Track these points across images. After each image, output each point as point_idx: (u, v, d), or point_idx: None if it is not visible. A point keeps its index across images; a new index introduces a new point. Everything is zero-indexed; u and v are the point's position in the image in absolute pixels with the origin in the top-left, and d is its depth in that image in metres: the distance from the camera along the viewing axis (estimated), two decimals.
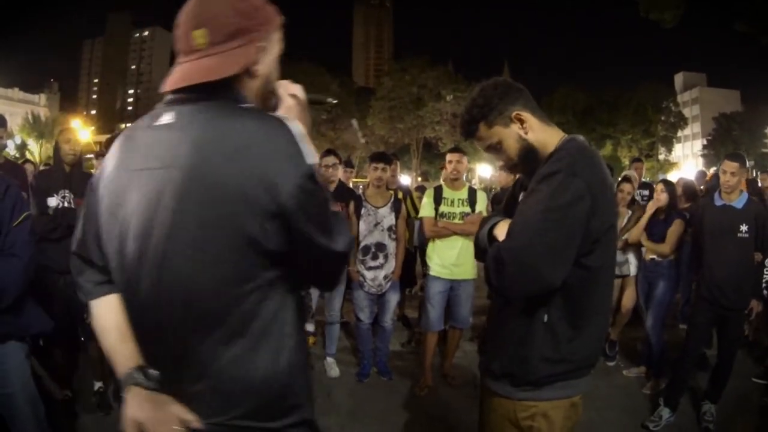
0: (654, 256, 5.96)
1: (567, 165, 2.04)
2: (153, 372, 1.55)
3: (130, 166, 1.56)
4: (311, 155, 1.49)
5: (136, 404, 1.50)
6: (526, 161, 2.27)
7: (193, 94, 1.52)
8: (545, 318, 2.12)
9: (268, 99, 1.70)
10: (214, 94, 1.52)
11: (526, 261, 1.97)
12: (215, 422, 1.52)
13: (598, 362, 2.32)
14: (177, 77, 1.53)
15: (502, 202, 2.65)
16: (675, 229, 5.83)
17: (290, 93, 1.73)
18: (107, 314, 1.67)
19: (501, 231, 2.19)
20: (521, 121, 2.22)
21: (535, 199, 2.05)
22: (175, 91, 1.56)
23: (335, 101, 2.16)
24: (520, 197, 2.42)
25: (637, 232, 6.05)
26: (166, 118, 1.53)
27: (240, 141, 1.44)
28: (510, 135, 2.24)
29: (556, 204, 1.98)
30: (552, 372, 2.15)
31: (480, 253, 2.36)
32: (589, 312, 2.17)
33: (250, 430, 1.55)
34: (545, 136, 2.25)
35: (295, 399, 1.64)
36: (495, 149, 2.30)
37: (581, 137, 2.29)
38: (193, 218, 1.43)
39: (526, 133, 2.23)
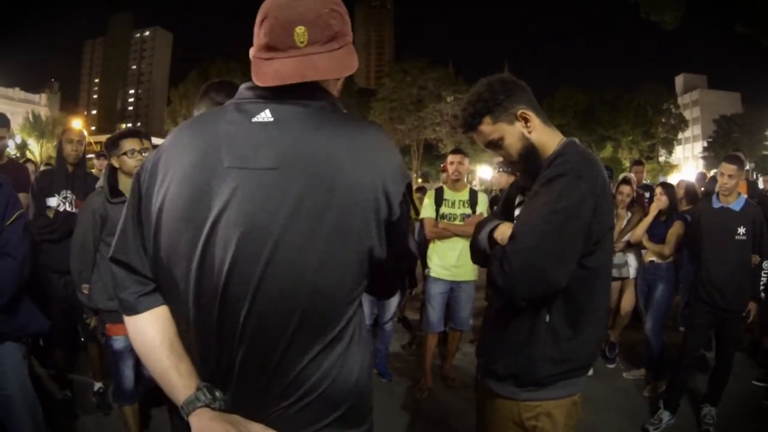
0: (653, 259, 5.96)
1: (572, 168, 2.07)
2: (218, 391, 1.42)
3: (217, 163, 1.40)
4: None
5: (209, 427, 1.35)
6: (526, 160, 2.28)
7: (291, 92, 1.44)
8: (547, 318, 2.15)
9: None
10: (313, 95, 1.47)
11: (533, 262, 2.00)
12: (312, 431, 1.45)
13: (595, 361, 2.36)
14: (280, 72, 1.42)
15: (500, 204, 2.66)
16: (675, 230, 5.83)
17: None
18: (156, 329, 1.49)
19: (502, 233, 2.20)
20: (526, 120, 2.23)
21: (541, 201, 2.07)
22: (266, 87, 1.44)
23: None
24: (517, 200, 2.45)
25: (639, 233, 6.05)
26: (264, 115, 1.43)
27: (366, 147, 1.43)
28: (513, 133, 2.24)
29: (561, 206, 2.01)
30: (555, 372, 2.17)
31: (478, 257, 2.39)
32: (588, 312, 2.20)
33: None
34: (546, 137, 2.27)
35: (371, 402, 1.65)
36: (495, 146, 2.30)
37: (577, 141, 2.32)
38: (320, 225, 1.34)
39: (529, 132, 2.24)
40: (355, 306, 1.50)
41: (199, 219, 1.38)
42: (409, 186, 1.49)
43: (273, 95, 1.45)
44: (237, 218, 1.35)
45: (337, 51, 1.46)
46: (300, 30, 1.40)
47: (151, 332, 1.49)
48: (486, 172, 49.00)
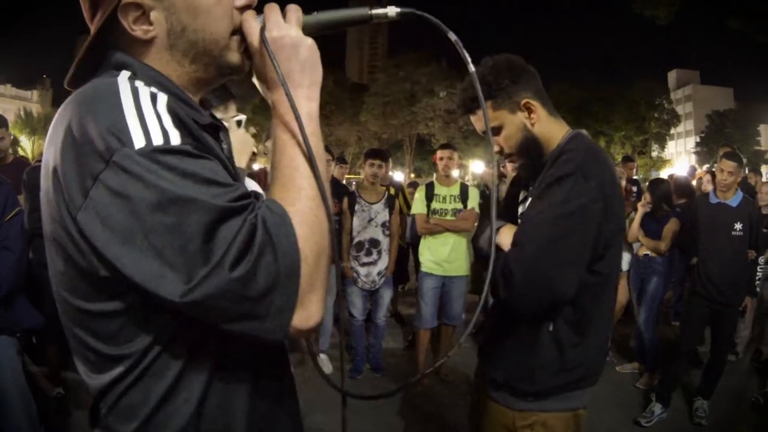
0: (648, 252, 5.98)
1: (578, 167, 1.90)
2: None
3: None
4: (155, 132, 0.96)
5: None
6: (525, 154, 2.13)
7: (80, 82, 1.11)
8: (551, 327, 2.00)
9: (223, 56, 1.18)
10: (95, 70, 1.13)
11: (537, 273, 1.84)
12: None
13: (602, 372, 2.19)
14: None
15: (501, 202, 2.55)
16: (671, 227, 5.84)
17: (275, 25, 1.15)
18: None
19: (505, 238, 2.01)
20: (530, 111, 2.08)
21: (545, 204, 1.91)
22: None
23: (381, 10, 1.21)
24: (521, 196, 2.34)
25: (633, 231, 6.06)
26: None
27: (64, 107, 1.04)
28: (514, 123, 2.09)
29: (568, 210, 1.85)
30: (555, 383, 2.04)
31: (483, 260, 2.17)
32: (596, 317, 2.05)
33: None
34: (551, 129, 2.12)
35: None
36: (493, 133, 2.12)
37: (585, 132, 2.18)
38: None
39: (532, 124, 2.08)
40: None
41: None
42: (116, 167, 0.92)
43: None
44: None
45: (95, 18, 1.11)
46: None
47: None
48: (478, 167, 49.02)
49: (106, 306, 1.03)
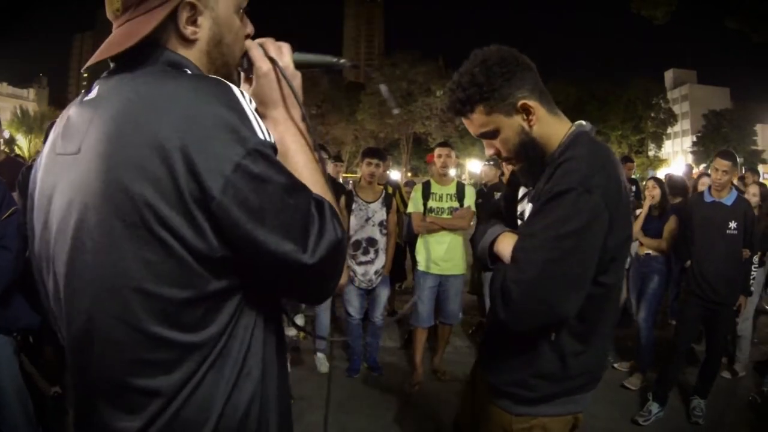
0: (649, 251, 5.98)
1: (580, 180, 1.75)
2: None
3: (52, 150, 1.24)
4: (262, 129, 1.13)
5: None
6: (524, 157, 1.99)
7: (121, 64, 1.20)
8: (552, 337, 1.93)
9: (232, 71, 1.37)
10: (140, 63, 1.19)
11: (537, 295, 1.75)
12: None
13: (602, 378, 2.13)
14: (98, 51, 1.21)
15: (500, 204, 2.44)
16: (670, 225, 5.84)
17: (269, 55, 1.35)
18: None
19: (505, 247, 1.93)
20: (528, 112, 1.90)
21: (547, 221, 1.78)
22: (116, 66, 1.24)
23: (349, 63, 1.59)
24: (520, 193, 2.24)
25: (635, 231, 6.06)
26: (91, 93, 1.22)
27: (165, 98, 1.09)
28: (511, 126, 1.92)
29: (570, 229, 1.73)
30: (555, 391, 1.99)
31: (484, 267, 2.13)
32: (600, 325, 1.99)
33: None
34: (552, 129, 1.96)
35: None
36: (489, 136, 1.98)
37: (588, 127, 2.04)
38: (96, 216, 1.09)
39: (530, 127, 1.92)
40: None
41: (43, 211, 1.23)
42: (254, 152, 1.07)
43: (109, 73, 1.24)
44: (58, 212, 1.17)
45: (155, 9, 1.18)
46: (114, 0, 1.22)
47: None
48: (475, 166, 49.08)
49: (198, 291, 1.10)
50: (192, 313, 1.10)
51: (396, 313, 8.11)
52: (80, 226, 1.10)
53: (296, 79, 1.38)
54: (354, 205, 5.91)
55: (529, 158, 1.98)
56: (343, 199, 5.96)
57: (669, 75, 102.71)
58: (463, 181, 6.38)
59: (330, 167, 6.92)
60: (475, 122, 1.96)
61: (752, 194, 6.20)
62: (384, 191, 6.09)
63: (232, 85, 1.14)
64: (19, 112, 69.52)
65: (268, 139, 1.12)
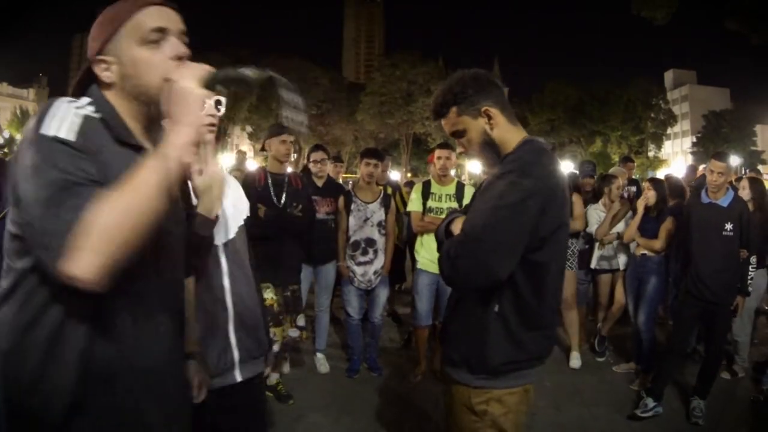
0: (645, 252, 5.97)
1: (519, 166, 2.20)
2: None
3: None
4: (54, 127, 1.43)
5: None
6: (484, 155, 2.42)
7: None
8: (496, 308, 2.25)
9: (153, 94, 1.61)
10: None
11: (476, 255, 2.10)
12: None
13: (549, 355, 2.46)
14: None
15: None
16: (666, 225, 5.84)
17: (181, 76, 1.53)
18: None
19: (457, 226, 2.30)
20: (489, 117, 2.34)
21: (488, 196, 2.20)
22: None
23: (264, 74, 1.57)
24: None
25: (630, 231, 6.06)
26: None
27: None
28: (475, 127, 2.37)
29: (505, 202, 2.11)
30: (506, 360, 2.27)
31: (438, 247, 2.47)
32: (538, 305, 2.28)
33: None
34: (508, 135, 2.37)
35: None
36: (458, 135, 2.44)
37: (541, 140, 2.43)
38: None
39: (491, 129, 2.36)
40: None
41: None
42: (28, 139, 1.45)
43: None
44: None
45: (84, 68, 1.72)
46: None
47: None
48: (475, 167, 49.05)
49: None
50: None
51: (395, 313, 8.12)
52: None
53: (187, 97, 1.49)
54: (353, 206, 5.91)
55: (487, 156, 2.42)
56: (341, 200, 5.96)
57: (669, 75, 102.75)
58: (462, 181, 6.38)
59: (330, 167, 6.92)
60: (448, 122, 2.44)
61: (742, 187, 6.18)
62: (383, 191, 6.09)
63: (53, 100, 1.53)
64: (19, 112, 69.58)
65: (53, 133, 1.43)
